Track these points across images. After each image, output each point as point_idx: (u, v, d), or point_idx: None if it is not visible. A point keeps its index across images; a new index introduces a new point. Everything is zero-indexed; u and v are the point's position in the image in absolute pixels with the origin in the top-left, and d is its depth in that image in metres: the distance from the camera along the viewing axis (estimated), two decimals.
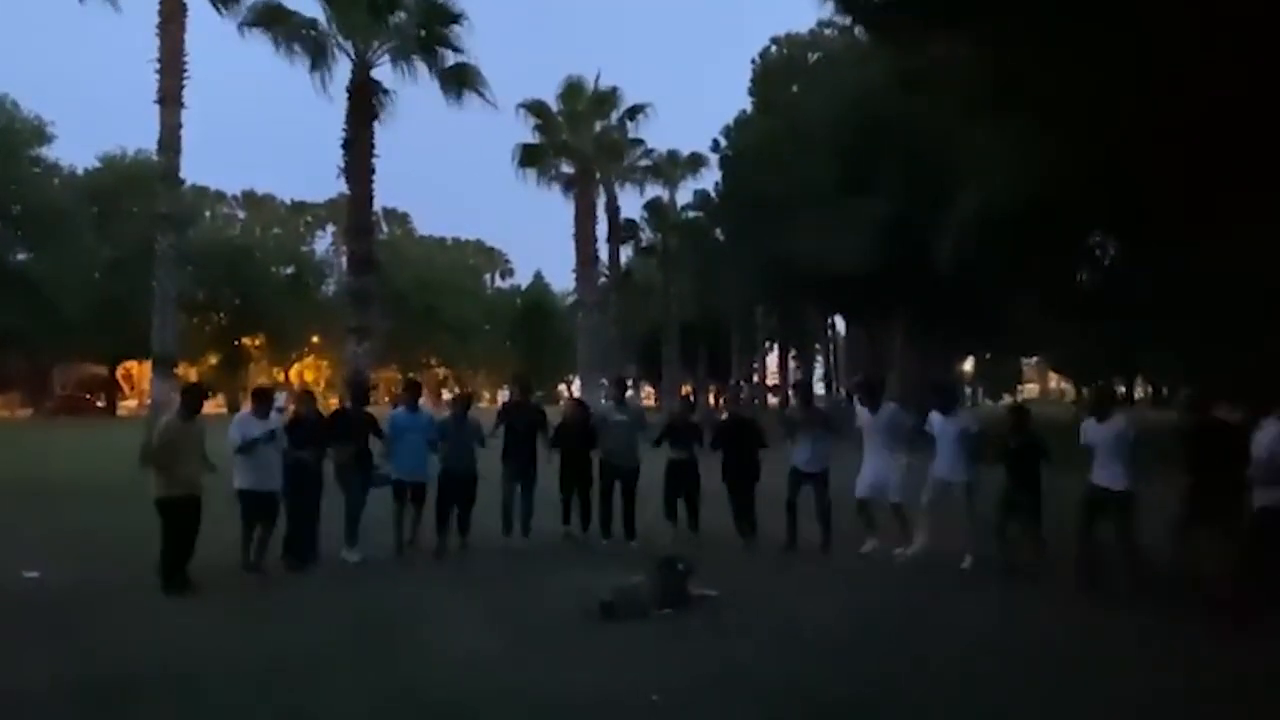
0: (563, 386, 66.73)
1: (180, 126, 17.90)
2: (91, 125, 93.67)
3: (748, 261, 31.07)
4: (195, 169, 62.39)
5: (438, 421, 9.14)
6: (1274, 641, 5.54)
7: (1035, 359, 65.76)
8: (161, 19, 17.95)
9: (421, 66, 18.89)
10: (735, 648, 5.50)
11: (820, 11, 24.96)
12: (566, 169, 29.65)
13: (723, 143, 36.46)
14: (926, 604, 6.71)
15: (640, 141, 32.65)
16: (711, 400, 51.30)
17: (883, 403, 8.93)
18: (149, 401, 19.80)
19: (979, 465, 8.09)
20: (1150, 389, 53.72)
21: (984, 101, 12.65)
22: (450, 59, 19.08)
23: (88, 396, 57.53)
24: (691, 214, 40.74)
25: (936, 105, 16.64)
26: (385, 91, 18.74)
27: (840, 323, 48.34)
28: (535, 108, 28.83)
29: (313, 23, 18.15)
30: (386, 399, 41.35)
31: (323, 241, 67.40)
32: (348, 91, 18.22)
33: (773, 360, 60.09)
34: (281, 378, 60.35)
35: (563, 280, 58.87)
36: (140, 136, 64.92)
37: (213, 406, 46.71)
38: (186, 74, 18.05)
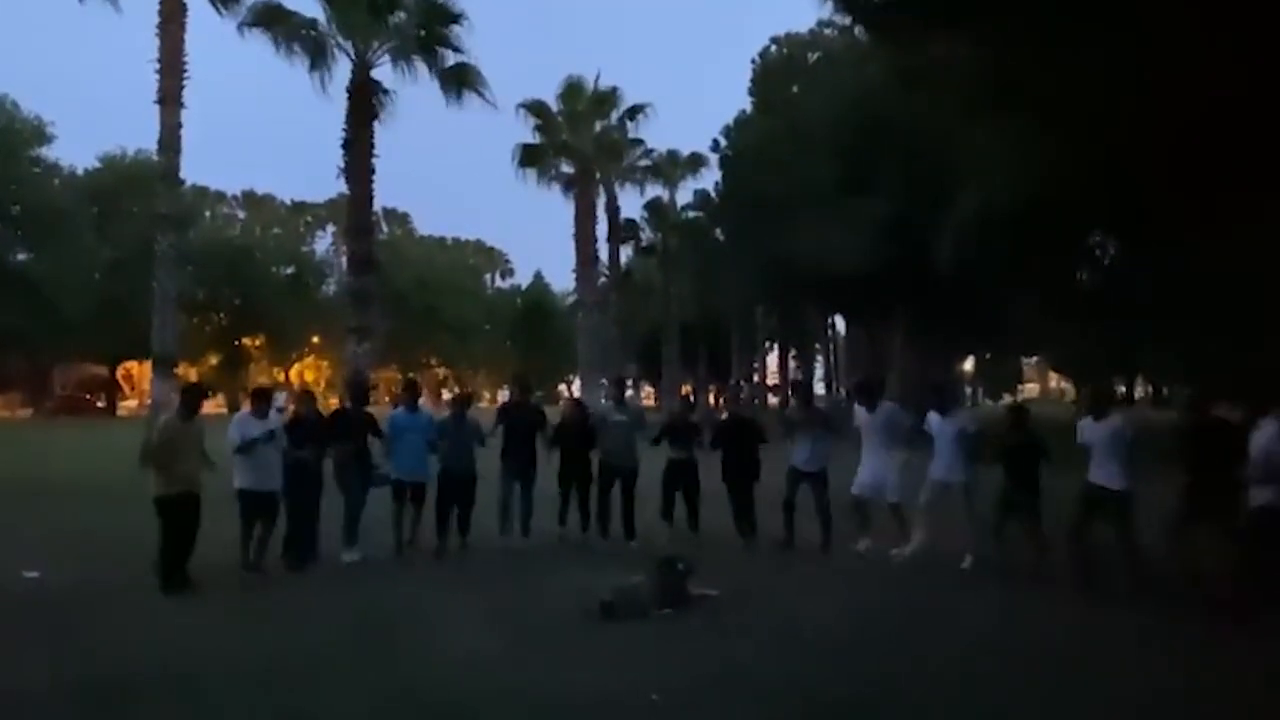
0: (563, 386, 66.73)
1: (180, 126, 17.90)
2: (91, 125, 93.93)
3: (748, 261, 31.07)
4: (195, 169, 62.44)
5: (437, 421, 9.14)
6: (1274, 641, 5.54)
7: (1035, 359, 65.75)
8: (161, 19, 17.95)
9: (421, 66, 18.91)
10: (735, 648, 5.50)
11: (820, 11, 24.91)
12: (566, 169, 29.67)
13: (723, 143, 36.48)
14: (926, 604, 6.71)
15: (640, 141, 32.70)
16: (711, 400, 51.32)
17: (880, 402, 8.96)
18: (149, 402, 19.80)
19: (977, 465, 8.10)
20: (1150, 389, 53.69)
21: (984, 101, 12.65)
22: (450, 59, 19.12)
23: (88, 397, 57.55)
24: (691, 214, 40.77)
25: (936, 105, 16.65)
26: (385, 91, 18.77)
27: (840, 323, 48.33)
28: (535, 108, 28.85)
29: (312, 23, 18.16)
30: (386, 399, 41.33)
31: (323, 241, 67.54)
32: (347, 91, 18.23)
33: (773, 360, 60.12)
34: (282, 378, 60.35)
35: (563, 280, 58.98)
36: (140, 136, 65.05)
37: (213, 406, 46.76)
38: (186, 74, 18.06)
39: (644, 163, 34.30)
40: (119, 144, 51.57)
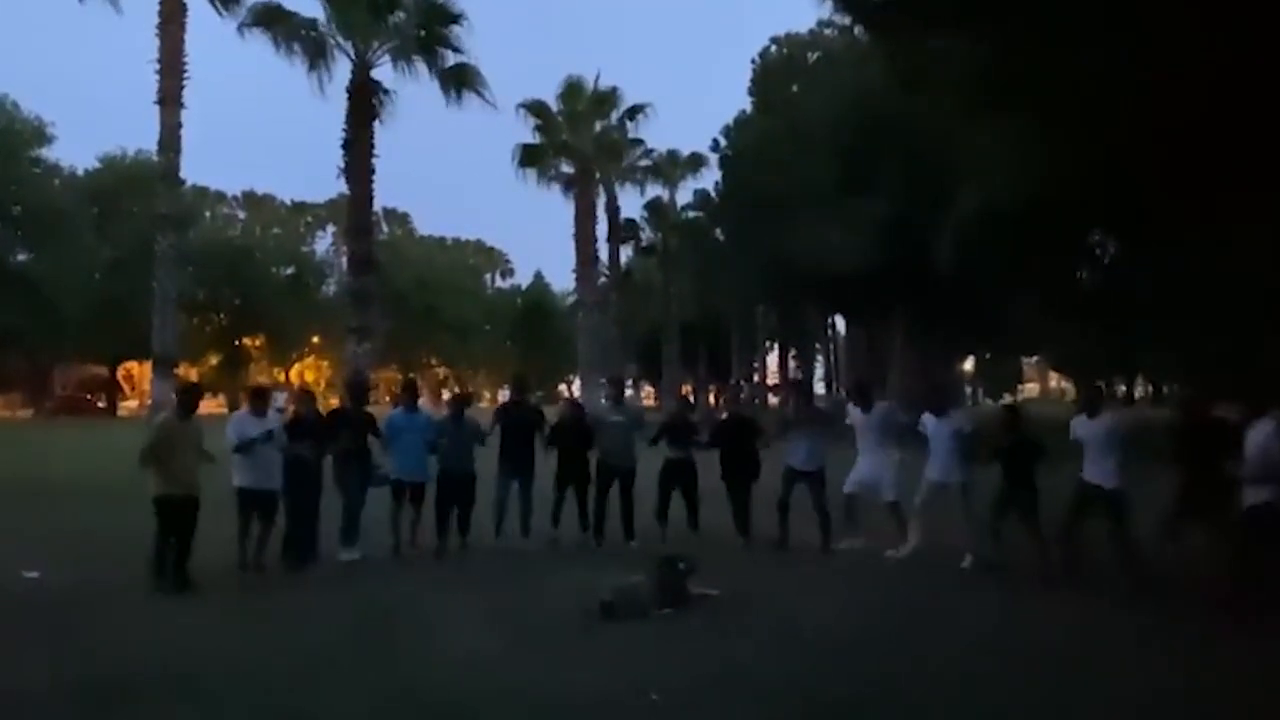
0: (563, 386, 66.71)
1: (180, 127, 17.90)
2: (91, 125, 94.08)
3: (748, 261, 31.11)
4: (195, 169, 62.46)
5: (436, 422, 9.14)
6: (1274, 641, 5.54)
7: (1035, 359, 65.76)
8: (161, 19, 17.94)
9: (421, 66, 18.94)
10: (735, 648, 5.50)
11: (820, 11, 25.02)
12: (566, 169, 29.71)
13: (723, 143, 36.51)
14: (926, 604, 6.71)
15: (640, 141, 32.75)
16: (712, 400, 51.34)
17: (874, 402, 9.01)
18: (150, 402, 19.79)
19: (972, 465, 8.10)
20: (1151, 388, 53.71)
21: (984, 101, 12.64)
22: (450, 59, 19.15)
23: (88, 397, 57.55)
24: (691, 214, 40.81)
25: (936, 105, 16.64)
26: (385, 91, 18.79)
27: (840, 323, 48.36)
28: (535, 108, 28.87)
29: (312, 23, 18.18)
30: (387, 399, 41.35)
31: (323, 242, 67.56)
32: (348, 91, 18.25)
33: (773, 360, 60.15)
34: (282, 378, 60.36)
35: (563, 280, 58.95)
36: (140, 137, 65.05)
37: (214, 406, 46.84)
38: (186, 74, 18.05)
39: (644, 163, 34.38)
40: (119, 144, 51.67)
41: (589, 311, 29.23)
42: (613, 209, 33.92)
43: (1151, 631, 5.83)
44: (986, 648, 5.50)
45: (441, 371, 72.31)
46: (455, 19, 18.87)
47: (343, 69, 18.35)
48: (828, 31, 32.22)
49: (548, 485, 9.14)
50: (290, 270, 59.15)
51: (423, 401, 9.57)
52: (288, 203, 68.70)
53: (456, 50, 19.07)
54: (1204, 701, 4.64)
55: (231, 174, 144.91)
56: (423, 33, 18.78)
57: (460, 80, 19.25)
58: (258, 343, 59.55)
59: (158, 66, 17.91)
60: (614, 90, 29.87)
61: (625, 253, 39.46)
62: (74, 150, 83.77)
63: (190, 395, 7.81)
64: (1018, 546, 7.53)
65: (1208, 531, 6.54)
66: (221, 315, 56.69)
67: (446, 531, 8.72)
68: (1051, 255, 20.39)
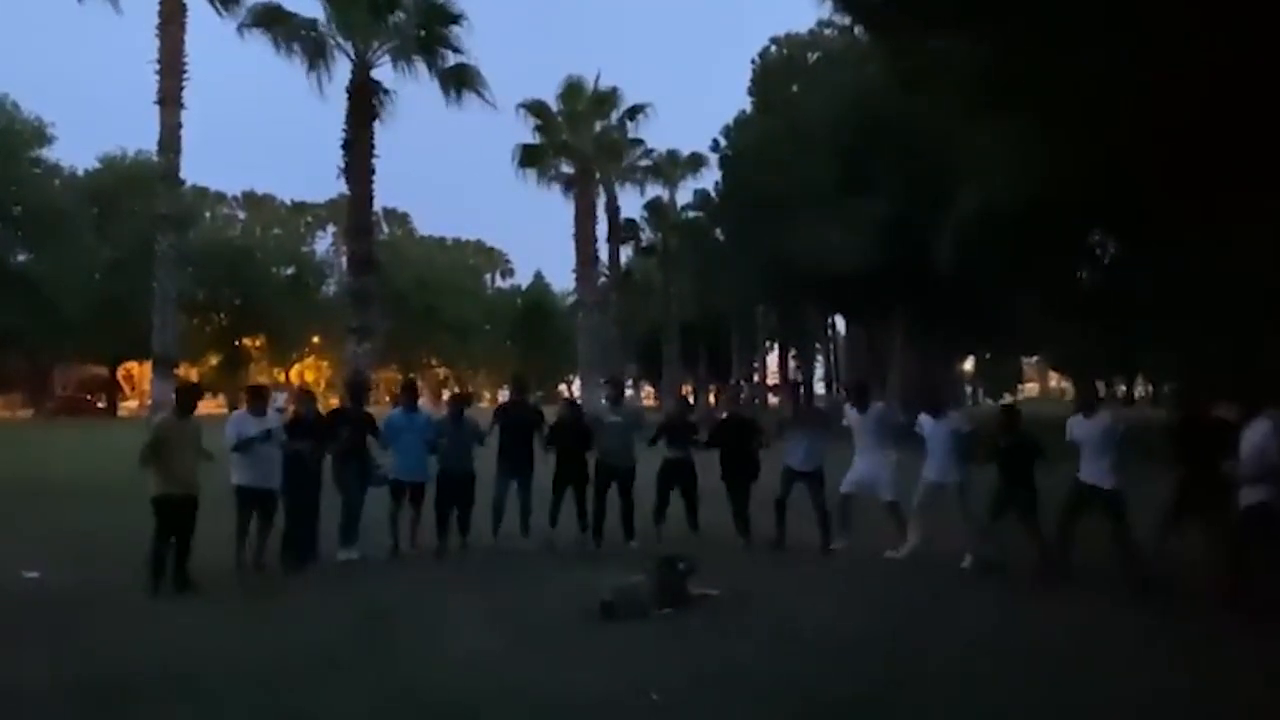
0: (563, 386, 66.72)
1: (180, 127, 17.89)
2: (91, 125, 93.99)
3: (748, 261, 31.11)
4: (195, 169, 62.64)
5: (435, 422, 9.15)
6: (1274, 642, 5.54)
7: (1035, 358, 65.75)
8: (161, 20, 17.94)
9: (421, 66, 18.93)
10: (735, 647, 5.50)
11: (820, 11, 25.04)
12: (566, 169, 29.71)
13: (723, 143, 36.51)
14: (926, 604, 6.71)
15: (640, 141, 32.76)
16: (712, 399, 51.34)
17: (871, 402, 9.00)
18: (150, 402, 19.79)
19: (969, 466, 8.09)
20: (1151, 388, 53.67)
21: (984, 101, 12.64)
22: (450, 59, 19.14)
23: (88, 397, 57.55)
24: (691, 214, 40.81)
25: (936, 105, 16.65)
26: (385, 91, 18.78)
27: (840, 323, 48.36)
28: (535, 108, 28.87)
29: (312, 23, 18.17)
30: (387, 399, 41.36)
31: (323, 242, 67.56)
32: (348, 92, 18.24)
33: (773, 360, 60.15)
34: (282, 378, 60.36)
35: (563, 280, 58.98)
36: (140, 137, 65.12)
37: (214, 407, 46.86)
38: (186, 75, 18.03)
39: (644, 163, 34.38)
40: (119, 144, 51.68)
41: (589, 311, 29.22)
42: (613, 209, 33.93)
43: (1152, 631, 5.83)
44: (986, 647, 5.50)
45: (441, 371, 72.33)
46: (455, 19, 18.88)
47: (343, 69, 18.37)
48: (828, 31, 32.26)
49: (547, 486, 9.15)
50: (290, 270, 59.16)
51: (423, 402, 9.58)
52: (288, 203, 68.78)
53: (456, 50, 19.10)
54: (1205, 701, 4.64)
55: (231, 174, 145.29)
56: (423, 33, 18.77)
57: (460, 80, 19.25)
58: (258, 343, 59.56)
59: (158, 66, 17.90)
60: (614, 90, 29.90)
61: (625, 253, 39.52)
62: (74, 150, 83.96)
63: (188, 395, 7.82)
64: (1017, 546, 7.53)
65: (1205, 531, 6.54)
66: (222, 315, 56.71)
67: (446, 531, 8.71)
68: (1051, 255, 20.40)
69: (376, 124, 18.53)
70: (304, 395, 9.55)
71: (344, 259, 34.18)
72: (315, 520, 8.22)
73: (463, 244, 77.13)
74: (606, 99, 29.74)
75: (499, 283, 78.33)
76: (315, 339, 60.73)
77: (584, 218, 29.05)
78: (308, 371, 66.87)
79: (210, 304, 54.50)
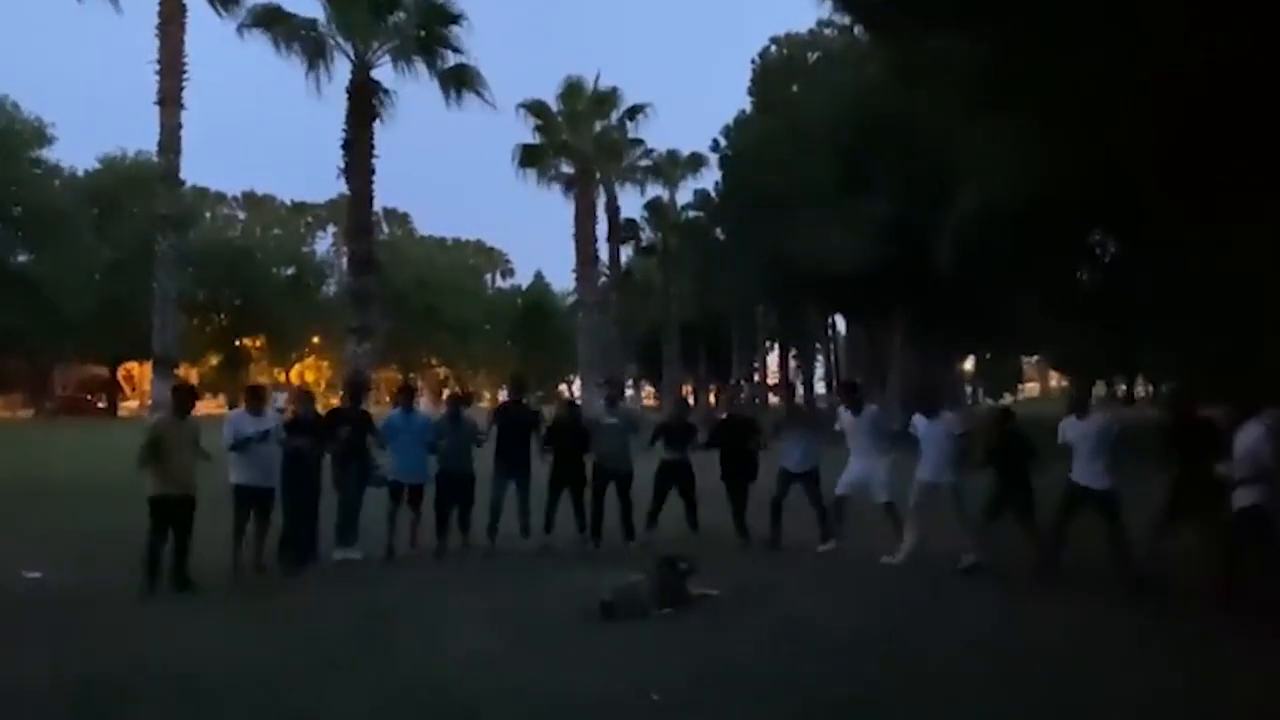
0: (563, 386, 66.71)
1: (180, 127, 17.92)
2: (91, 126, 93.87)
3: (748, 261, 31.08)
4: (195, 170, 62.70)
5: (433, 422, 9.15)
6: (1273, 641, 5.54)
7: (1035, 358, 65.73)
8: (161, 20, 17.97)
9: (421, 67, 18.93)
10: (735, 647, 5.50)
11: (820, 11, 25.03)
12: (566, 169, 29.73)
13: (723, 143, 36.49)
14: (926, 603, 6.72)
15: (640, 141, 32.79)
16: (712, 399, 51.34)
17: (864, 405, 8.98)
18: (150, 402, 19.81)
19: (964, 466, 8.09)
20: (1151, 388, 53.64)
21: (984, 100, 12.64)
22: (450, 59, 19.14)
23: (89, 397, 57.54)
24: (691, 214, 40.80)
25: (936, 104, 16.64)
26: (385, 91, 18.78)
27: (840, 323, 48.36)
28: (535, 108, 28.89)
29: (312, 23, 18.17)
30: (387, 399, 41.40)
31: (323, 242, 67.45)
32: (348, 92, 18.23)
33: (773, 360, 60.14)
34: (282, 378, 60.36)
35: (563, 280, 58.90)
36: (140, 137, 65.09)
37: (214, 407, 46.85)
38: (186, 75, 18.08)
39: (644, 163, 34.40)
40: (119, 145, 51.61)
41: (589, 311, 29.23)
42: (613, 209, 33.95)
43: (1149, 631, 5.83)
44: (985, 647, 5.51)
45: (442, 371, 72.31)
46: (455, 19, 18.87)
47: (342, 69, 18.36)
48: (828, 31, 32.23)
49: (545, 487, 9.13)
50: (290, 271, 59.11)
51: (423, 402, 9.59)
52: (288, 203, 68.68)
53: (456, 50, 19.09)
54: (1202, 701, 4.64)
55: (231, 174, 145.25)
56: (423, 33, 18.77)
57: (460, 80, 19.25)
58: (258, 343, 59.54)
59: (158, 67, 17.93)
60: (614, 90, 29.93)
61: (625, 253, 39.54)
62: (74, 150, 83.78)
63: (184, 395, 7.83)
64: (1015, 547, 7.53)
65: (1200, 532, 6.54)
66: (222, 315, 56.69)
67: (446, 532, 8.72)
68: (1051, 255, 20.38)
69: (376, 124, 18.55)
70: (302, 395, 9.58)
71: (344, 259, 34.20)
72: (314, 520, 8.23)
73: (463, 244, 77.08)
74: (606, 99, 29.76)
75: (499, 283, 78.33)
76: (315, 339, 60.70)
77: (584, 218, 29.07)
78: (308, 372, 66.86)
79: (210, 304, 54.48)
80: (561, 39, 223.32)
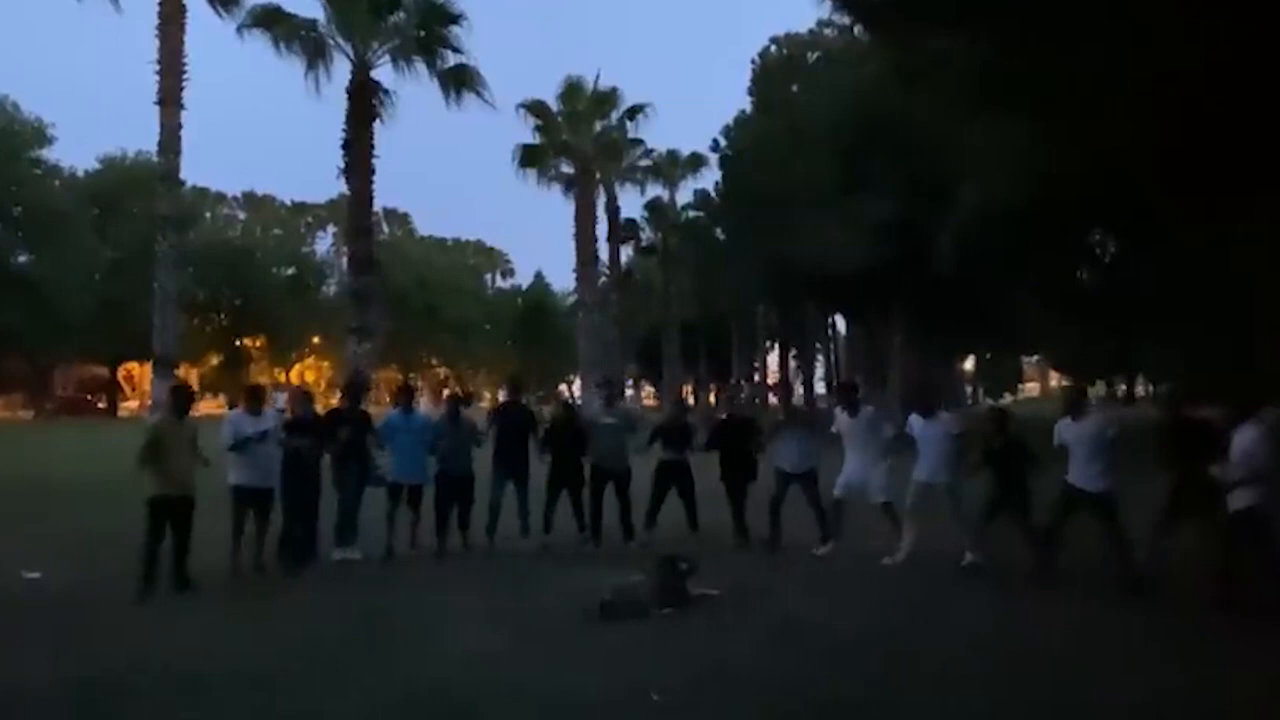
0: (563, 387, 66.70)
1: (180, 127, 17.94)
2: (91, 126, 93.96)
3: (748, 261, 31.08)
4: (195, 170, 62.61)
5: (433, 423, 9.15)
6: (1265, 642, 5.54)
7: (1035, 358, 65.74)
8: (161, 20, 17.99)
9: (421, 67, 18.94)
10: (735, 647, 5.50)
11: (820, 11, 25.03)
12: (566, 169, 29.72)
13: (723, 143, 36.48)
14: (925, 603, 6.71)
15: (640, 141, 32.76)
16: (712, 399, 51.32)
17: (861, 406, 8.94)
18: (150, 402, 19.82)
19: (960, 467, 8.08)
20: (1151, 388, 53.64)
21: (983, 100, 12.64)
22: (450, 59, 19.14)
23: (89, 397, 57.56)
24: (691, 214, 40.80)
25: (936, 104, 16.64)
26: (385, 91, 18.79)
27: (840, 322, 48.36)
28: (535, 108, 28.88)
29: (312, 24, 18.18)
30: (387, 398, 41.39)
31: (323, 242, 67.46)
32: (347, 92, 18.25)
33: (773, 360, 60.13)
34: (282, 378, 60.36)
35: (563, 280, 58.90)
36: (140, 137, 65.09)
37: (214, 407, 46.86)
38: (186, 75, 18.10)
39: (644, 163, 34.39)
40: (119, 145, 51.71)
41: (589, 311, 29.23)
42: (613, 209, 33.94)
43: (1147, 632, 5.83)
44: (984, 647, 5.50)
45: (442, 372, 72.31)
46: (455, 19, 18.88)
47: (342, 69, 18.38)
48: (828, 31, 32.21)
49: (543, 487, 9.12)
50: (290, 271, 59.15)
51: (423, 402, 9.60)
52: (288, 203, 68.66)
53: (456, 50, 19.10)
54: (1201, 701, 4.64)
55: (231, 174, 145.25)
56: (422, 33, 18.78)
57: (460, 80, 19.26)
58: (258, 343, 59.57)
59: (158, 67, 17.95)
60: (614, 90, 29.90)
61: (625, 253, 39.54)
62: (74, 151, 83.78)
63: (182, 396, 7.82)
64: (1014, 547, 7.53)
65: (1197, 533, 6.54)
66: (222, 316, 56.70)
67: (446, 532, 8.72)
68: (1051, 255, 20.40)
69: (376, 124, 18.56)
70: (301, 395, 9.58)
71: (344, 259, 34.20)
72: (314, 520, 8.23)
73: (463, 244, 77.05)
74: (606, 99, 29.75)
75: (499, 283, 78.29)
76: (315, 339, 60.73)
77: (584, 218, 29.06)
78: (308, 372, 66.87)
79: (210, 304, 54.50)
80: (562, 38, 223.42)
